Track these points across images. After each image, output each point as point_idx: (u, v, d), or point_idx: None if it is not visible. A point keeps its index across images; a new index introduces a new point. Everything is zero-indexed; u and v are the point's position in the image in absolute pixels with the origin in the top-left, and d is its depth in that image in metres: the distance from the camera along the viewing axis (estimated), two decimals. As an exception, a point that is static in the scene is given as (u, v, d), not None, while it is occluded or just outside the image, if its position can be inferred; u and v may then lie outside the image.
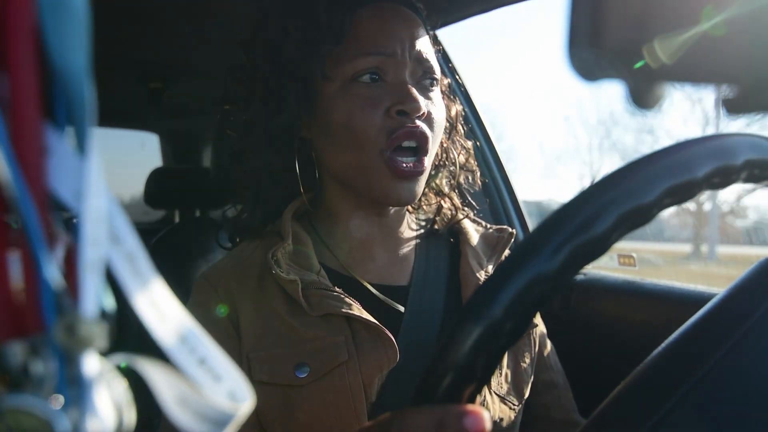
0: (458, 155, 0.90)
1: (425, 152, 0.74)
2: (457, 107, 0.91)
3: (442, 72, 0.86)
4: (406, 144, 0.73)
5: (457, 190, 0.92)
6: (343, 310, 0.72)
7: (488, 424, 0.37)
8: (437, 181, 0.89)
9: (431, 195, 0.90)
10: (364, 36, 0.74)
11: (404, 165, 0.73)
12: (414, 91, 0.73)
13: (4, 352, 0.19)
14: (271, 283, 0.75)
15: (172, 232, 1.48)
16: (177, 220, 2.49)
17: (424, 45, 0.77)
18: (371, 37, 0.74)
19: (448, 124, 0.88)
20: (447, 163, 0.89)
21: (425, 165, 0.74)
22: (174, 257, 1.37)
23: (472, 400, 0.38)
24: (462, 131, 0.92)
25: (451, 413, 0.37)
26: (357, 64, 0.74)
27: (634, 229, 0.37)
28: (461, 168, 0.90)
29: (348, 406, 0.70)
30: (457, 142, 0.91)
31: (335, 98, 0.75)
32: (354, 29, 0.74)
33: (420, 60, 0.76)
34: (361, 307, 0.73)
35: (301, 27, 0.76)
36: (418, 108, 0.72)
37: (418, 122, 0.73)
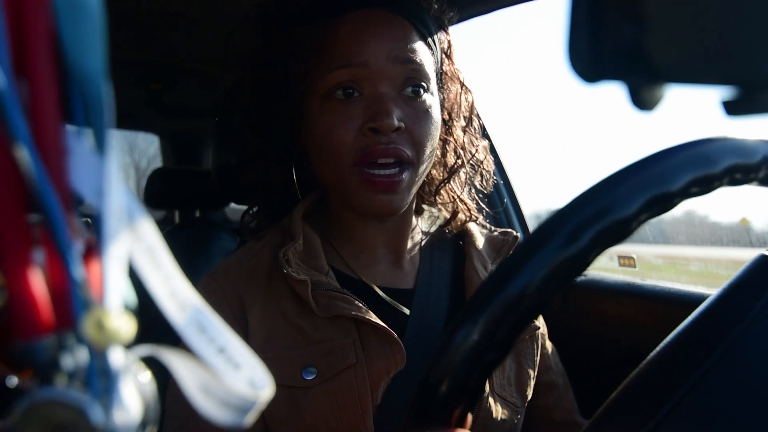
0: (475, 153, 0.88)
1: (407, 165, 0.73)
2: (471, 98, 0.88)
3: (450, 58, 0.84)
4: (381, 161, 0.72)
5: (473, 190, 0.91)
6: (352, 313, 0.72)
7: None
8: (451, 185, 0.88)
9: (446, 198, 0.89)
10: (337, 48, 0.72)
11: (377, 178, 0.71)
12: (389, 105, 0.71)
13: (34, 348, 0.20)
14: (280, 283, 0.75)
15: (173, 232, 1.48)
16: (177, 220, 2.50)
17: (407, 50, 0.74)
18: (342, 48, 0.72)
19: (463, 119, 0.87)
20: (463, 162, 0.87)
21: (403, 177, 0.72)
22: (174, 258, 1.37)
23: (462, 420, 0.38)
24: (477, 127, 0.90)
25: None
26: (329, 79, 0.72)
27: (615, 244, 0.37)
28: (477, 166, 0.89)
29: (354, 409, 0.70)
30: (473, 140, 0.89)
31: (315, 115, 0.74)
32: (330, 42, 0.73)
33: (402, 67, 0.73)
34: (369, 310, 0.73)
35: (281, 43, 0.76)
36: (390, 125, 0.70)
37: (395, 138, 0.71)
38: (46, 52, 0.19)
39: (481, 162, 0.89)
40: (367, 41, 0.72)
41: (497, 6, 1.17)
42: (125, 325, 0.20)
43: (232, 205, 2.09)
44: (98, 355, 0.20)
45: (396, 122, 0.70)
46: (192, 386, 0.22)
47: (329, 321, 0.73)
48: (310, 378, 0.70)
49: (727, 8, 0.26)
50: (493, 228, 0.93)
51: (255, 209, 0.86)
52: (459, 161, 0.87)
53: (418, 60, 0.74)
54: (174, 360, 0.22)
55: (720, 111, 0.29)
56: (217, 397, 0.23)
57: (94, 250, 0.22)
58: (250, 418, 0.24)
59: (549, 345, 0.91)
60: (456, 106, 0.86)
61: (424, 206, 0.92)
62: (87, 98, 0.19)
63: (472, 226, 0.90)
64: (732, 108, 0.29)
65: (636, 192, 0.37)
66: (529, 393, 0.82)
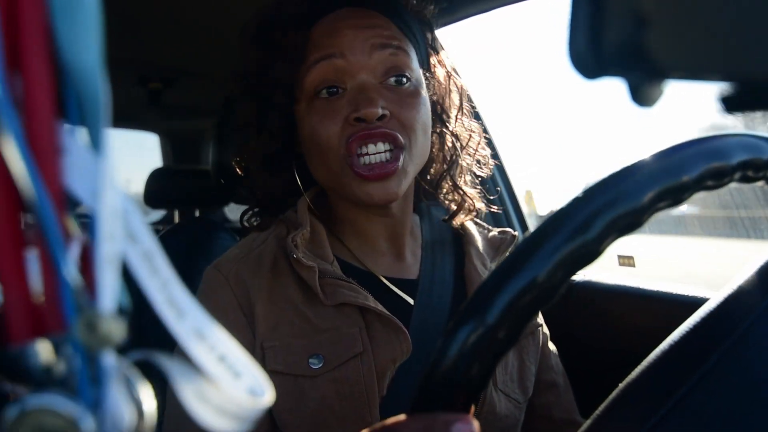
0: (467, 141, 0.88)
1: (401, 150, 0.72)
2: (460, 83, 0.88)
3: (435, 51, 0.84)
4: (372, 150, 0.71)
5: (477, 180, 0.91)
6: (359, 301, 0.72)
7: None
8: (453, 176, 0.88)
9: (447, 190, 0.89)
10: (314, 47, 0.74)
11: (367, 169, 0.71)
12: (372, 93, 0.71)
13: (26, 353, 0.19)
14: (285, 271, 0.76)
15: (172, 232, 1.48)
16: (176, 220, 2.49)
17: (383, 36, 0.74)
18: (319, 44, 0.74)
19: (455, 108, 0.87)
20: (458, 152, 0.87)
21: (398, 164, 0.72)
22: (174, 258, 1.36)
23: (467, 408, 0.38)
24: (468, 111, 0.89)
25: (440, 420, 0.37)
26: (311, 77, 0.73)
27: (627, 233, 0.37)
28: (473, 153, 0.89)
29: (361, 397, 0.70)
30: (465, 124, 0.88)
31: (303, 117, 0.75)
32: (309, 44, 0.74)
33: (379, 54, 0.73)
34: (374, 299, 0.74)
35: (266, 53, 0.77)
36: (374, 113, 0.70)
37: (382, 125, 0.71)
38: (41, 46, 0.18)
39: (476, 148, 0.89)
40: (341, 32, 0.73)
41: (494, 5, 1.17)
42: (117, 328, 0.19)
43: (232, 204, 2.09)
44: (90, 361, 0.20)
45: (380, 110, 0.71)
46: (188, 393, 0.22)
47: (335, 309, 0.73)
48: (316, 367, 0.70)
49: (726, 4, 0.26)
50: (490, 228, 0.93)
51: (256, 210, 0.87)
52: (455, 151, 0.87)
53: (395, 45, 0.75)
54: (169, 365, 0.21)
55: (719, 107, 0.29)
56: (214, 404, 0.22)
57: (89, 252, 0.21)
58: (247, 427, 0.24)
59: (550, 345, 0.91)
60: (446, 98, 0.86)
61: (426, 203, 0.92)
62: (82, 95, 0.19)
63: (470, 226, 0.90)
64: (731, 104, 0.29)
65: (650, 182, 0.37)
66: (531, 390, 0.83)
